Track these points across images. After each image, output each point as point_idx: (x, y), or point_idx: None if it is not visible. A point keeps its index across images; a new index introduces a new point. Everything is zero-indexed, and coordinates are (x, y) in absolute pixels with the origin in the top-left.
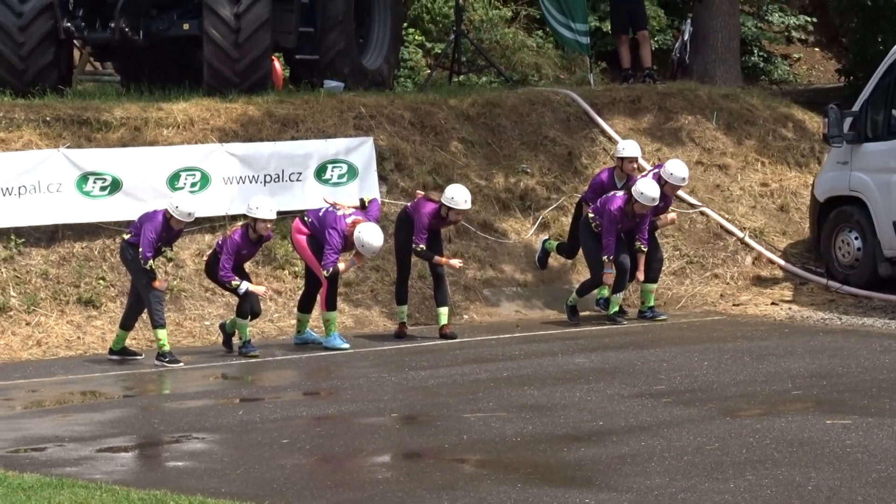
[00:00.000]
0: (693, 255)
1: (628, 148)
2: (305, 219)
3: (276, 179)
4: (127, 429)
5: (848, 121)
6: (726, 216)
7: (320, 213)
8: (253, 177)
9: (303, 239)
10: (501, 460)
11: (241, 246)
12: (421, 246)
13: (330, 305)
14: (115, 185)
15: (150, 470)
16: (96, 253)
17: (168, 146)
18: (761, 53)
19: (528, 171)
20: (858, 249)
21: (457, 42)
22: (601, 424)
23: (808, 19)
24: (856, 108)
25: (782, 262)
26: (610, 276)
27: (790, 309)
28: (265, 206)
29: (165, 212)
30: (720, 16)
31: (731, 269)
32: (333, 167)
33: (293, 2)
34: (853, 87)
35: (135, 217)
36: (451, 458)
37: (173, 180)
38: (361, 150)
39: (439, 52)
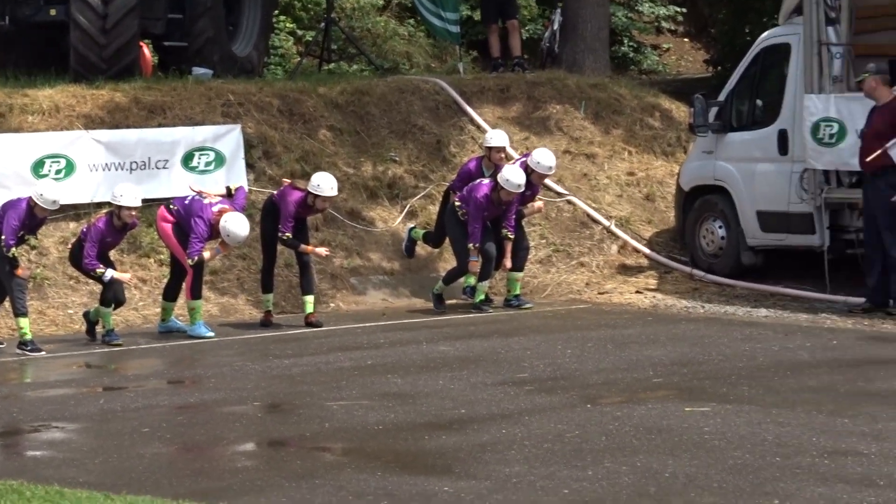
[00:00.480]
0: (559, 244)
1: (496, 137)
2: (171, 207)
3: (143, 167)
4: None
5: (713, 110)
6: (593, 205)
7: (186, 202)
8: (119, 164)
9: (168, 227)
10: (363, 448)
11: (105, 234)
12: (287, 234)
13: (195, 294)
14: None
15: (8, 459)
16: None
17: (33, 133)
18: (631, 43)
19: (397, 159)
20: (722, 238)
21: (327, 30)
22: (463, 412)
23: (678, 10)
24: (721, 97)
25: (647, 251)
26: (476, 263)
27: (654, 297)
28: (129, 194)
29: (30, 199)
30: (590, 6)
31: (597, 258)
32: (200, 155)
33: None
34: (721, 78)
35: None
36: (313, 446)
37: (38, 167)
38: (229, 138)
39: (310, 39)
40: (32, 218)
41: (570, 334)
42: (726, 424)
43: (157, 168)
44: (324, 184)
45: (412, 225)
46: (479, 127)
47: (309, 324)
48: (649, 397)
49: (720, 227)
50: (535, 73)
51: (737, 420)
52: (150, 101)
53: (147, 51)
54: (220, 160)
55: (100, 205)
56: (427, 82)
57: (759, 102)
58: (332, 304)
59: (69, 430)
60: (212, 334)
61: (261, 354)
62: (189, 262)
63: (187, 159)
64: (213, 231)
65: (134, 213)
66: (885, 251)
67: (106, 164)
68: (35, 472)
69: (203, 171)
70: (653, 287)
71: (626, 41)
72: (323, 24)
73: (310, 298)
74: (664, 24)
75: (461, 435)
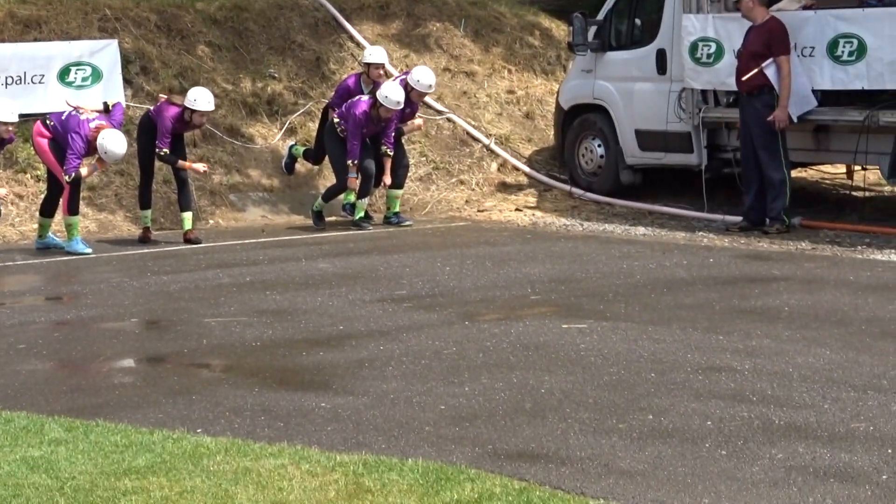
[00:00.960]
0: (439, 162)
1: (375, 54)
2: (48, 122)
3: (18, 81)
4: None
5: (593, 29)
6: (473, 123)
7: (63, 117)
8: None
9: (44, 142)
10: (241, 365)
11: None
12: (164, 150)
13: (72, 210)
14: None
15: None
16: None
17: None
18: None
19: (276, 76)
20: (601, 157)
21: None
22: (341, 329)
23: None
24: (600, 16)
25: (527, 169)
26: (354, 180)
27: (533, 215)
28: (6, 109)
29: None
30: None
31: (477, 176)
32: (77, 70)
33: None
34: None
35: None
36: (190, 362)
37: None
38: (106, 53)
39: None
40: None
41: (449, 252)
42: (603, 341)
43: (34, 83)
44: (200, 98)
45: (292, 142)
46: (358, 44)
47: (187, 240)
48: (527, 314)
49: (599, 145)
50: None
51: (613, 337)
52: (26, 15)
53: None
54: (96, 75)
55: None
56: None
57: (637, 22)
58: (211, 221)
59: None
60: (89, 251)
61: (139, 271)
62: (66, 178)
63: (63, 74)
64: (91, 147)
65: (10, 127)
66: (762, 170)
67: None
68: None
69: (80, 87)
70: (532, 205)
71: None
72: None
73: (188, 215)
74: None
75: (339, 351)
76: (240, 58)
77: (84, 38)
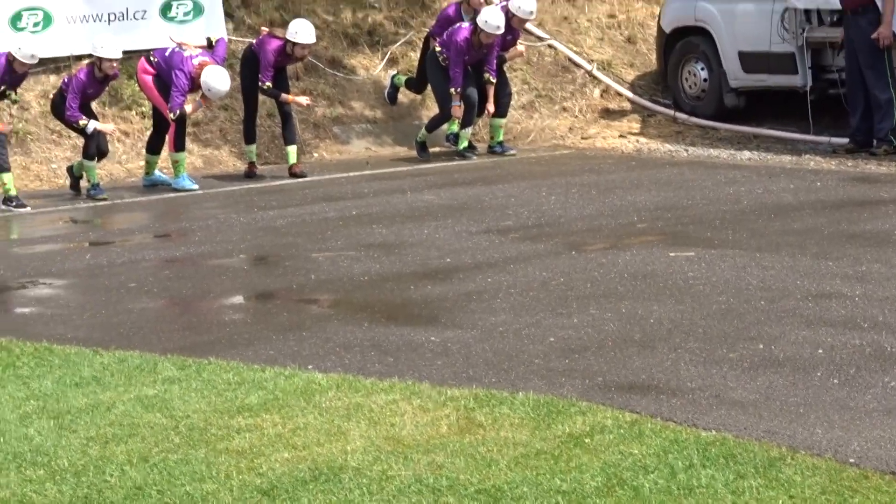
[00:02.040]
0: (542, 89)
1: None
2: (151, 59)
3: (121, 18)
4: None
5: None
6: (574, 49)
7: (166, 54)
8: (96, 15)
9: (149, 79)
10: (349, 300)
11: (86, 84)
12: (267, 84)
13: (178, 146)
14: None
15: None
16: None
17: None
18: None
19: (376, 6)
20: (705, 80)
21: None
22: (448, 261)
23: None
24: None
25: (630, 94)
26: (458, 108)
27: (637, 141)
28: (110, 45)
29: (8, 54)
30: None
31: (580, 102)
32: (178, 4)
33: None
34: None
35: None
36: (299, 298)
37: (15, 20)
38: None
39: None
40: (12, 73)
41: (553, 180)
42: (711, 269)
43: (136, 19)
44: (302, 31)
45: (394, 72)
46: None
47: (293, 174)
48: (634, 243)
49: (702, 68)
50: None
51: (721, 264)
52: None
53: None
54: (198, 10)
55: (79, 57)
56: None
57: None
58: (315, 154)
59: (56, 286)
60: (196, 186)
61: (245, 206)
62: (171, 115)
63: (165, 9)
64: (194, 84)
65: (115, 63)
66: (868, 90)
67: (84, 16)
68: (23, 329)
69: (182, 22)
70: (636, 131)
71: None
72: None
73: (293, 149)
74: None
75: (447, 284)
76: None
77: None
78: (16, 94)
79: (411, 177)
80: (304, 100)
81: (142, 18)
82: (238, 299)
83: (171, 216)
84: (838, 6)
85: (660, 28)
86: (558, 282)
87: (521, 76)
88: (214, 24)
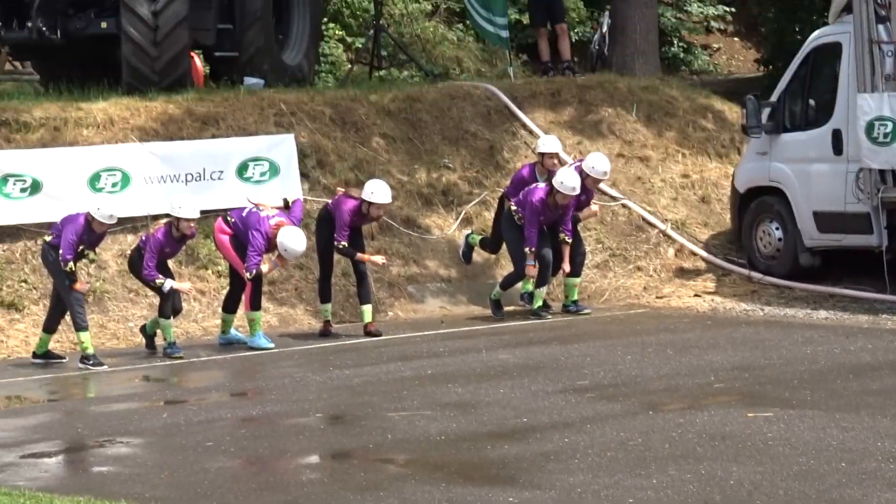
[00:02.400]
0: (616, 248)
1: (548, 143)
2: (228, 219)
3: (198, 178)
4: (51, 434)
5: (766, 111)
6: (648, 208)
7: (243, 214)
8: (174, 176)
9: (226, 239)
10: (426, 459)
11: (164, 244)
12: (343, 243)
13: (254, 305)
14: (36, 187)
15: (75, 475)
16: (17, 255)
17: (88, 146)
18: (681, 44)
19: (450, 165)
20: (779, 240)
21: (377, 36)
22: (525, 421)
23: (727, 9)
24: (774, 98)
25: (704, 254)
26: (533, 268)
27: (713, 300)
28: (188, 205)
29: (87, 214)
30: (638, 7)
31: (654, 262)
32: (255, 165)
33: None
34: (772, 77)
35: (56, 218)
36: (376, 457)
37: (94, 181)
38: (283, 148)
39: (359, 46)
40: (90, 233)
41: (629, 340)
42: (790, 430)
43: (212, 179)
44: (378, 191)
45: (469, 231)
46: (531, 132)
47: (368, 333)
48: (711, 403)
49: (777, 228)
50: (586, 76)
51: (800, 425)
52: (203, 112)
53: (198, 61)
54: (274, 170)
55: (156, 217)
56: (478, 88)
57: (811, 102)
58: (390, 313)
59: (134, 444)
60: (272, 345)
61: (321, 365)
62: (247, 275)
63: (242, 170)
64: (271, 244)
65: (192, 224)
66: None
67: (161, 177)
68: (102, 488)
69: (258, 182)
70: (711, 290)
71: (675, 42)
72: (372, 31)
73: (368, 308)
74: (713, 23)
75: (524, 444)
76: (414, 148)
77: (261, 133)
78: (94, 253)
79: (486, 336)
80: (379, 259)
81: (218, 179)
82: (314, 459)
83: (247, 374)
84: None
85: (734, 188)
86: (636, 442)
87: (595, 235)
88: (290, 185)
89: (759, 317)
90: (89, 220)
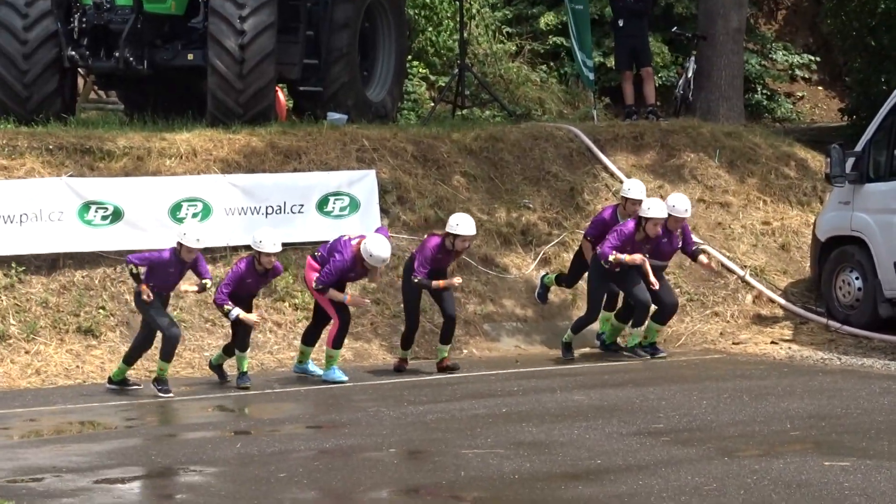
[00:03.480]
0: (693, 293)
1: (634, 189)
2: (316, 255)
3: (278, 211)
4: (125, 460)
5: (850, 161)
6: (727, 254)
7: (329, 243)
8: (255, 208)
9: (313, 276)
10: (499, 497)
11: (244, 275)
12: (419, 277)
13: (336, 345)
14: (117, 215)
15: (148, 502)
16: (97, 282)
17: (170, 176)
18: (765, 91)
19: (531, 206)
20: (859, 290)
21: (461, 75)
22: (599, 463)
23: (812, 58)
24: (858, 148)
25: (783, 301)
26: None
27: (790, 348)
28: (269, 240)
29: (176, 245)
30: (724, 53)
31: (732, 308)
32: (335, 199)
33: (298, 33)
34: (856, 127)
35: (137, 246)
36: (449, 494)
37: (175, 210)
38: (364, 183)
39: (443, 85)
40: (181, 264)
41: (704, 384)
42: (867, 480)
43: (293, 213)
44: (462, 223)
45: (545, 272)
46: (612, 174)
47: (443, 368)
48: (787, 450)
49: (857, 278)
50: (669, 120)
51: (878, 476)
52: (286, 145)
53: (282, 95)
54: (354, 205)
55: (235, 248)
56: (560, 129)
57: None
58: (465, 350)
59: (207, 473)
60: (346, 378)
61: (395, 400)
62: (316, 287)
63: (322, 204)
64: (358, 267)
65: (273, 258)
66: None
67: (242, 208)
68: None
69: (338, 216)
70: (788, 338)
71: (759, 89)
72: (456, 70)
73: (446, 347)
74: (798, 72)
75: (597, 486)
76: (494, 188)
77: (342, 168)
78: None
79: (561, 376)
80: (457, 280)
81: (299, 212)
82: (387, 493)
83: (322, 407)
84: None
85: (815, 236)
86: (710, 487)
87: (674, 279)
88: (370, 220)
89: (836, 366)
90: (177, 250)
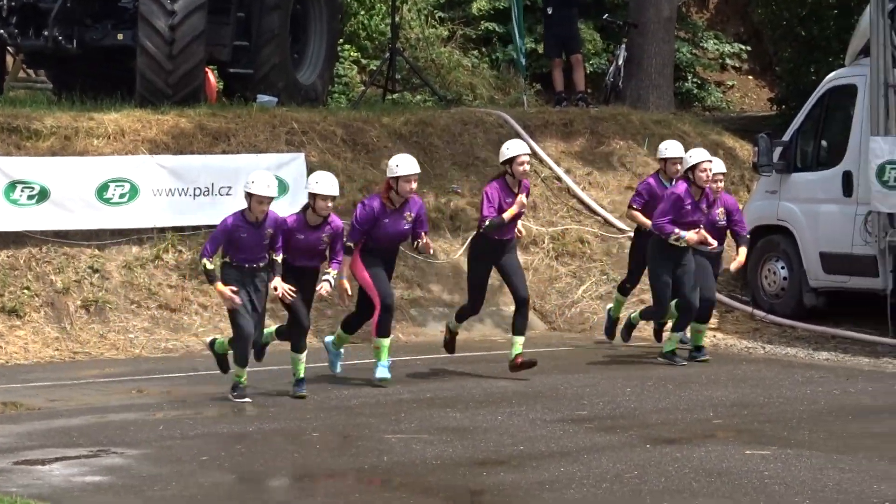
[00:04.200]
0: (621, 279)
1: (672, 148)
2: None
3: (206, 193)
4: (46, 441)
5: (778, 150)
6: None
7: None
8: (182, 189)
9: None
10: (421, 483)
11: (295, 231)
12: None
13: (381, 332)
14: (43, 195)
15: (67, 484)
16: (21, 262)
17: (98, 156)
18: (695, 80)
19: (459, 191)
20: (784, 279)
21: (392, 60)
22: (522, 449)
23: (743, 47)
24: (786, 137)
25: None
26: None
27: (714, 337)
28: (325, 180)
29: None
30: (655, 41)
31: None
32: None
33: (229, 15)
34: (785, 117)
35: (63, 227)
36: (371, 479)
37: (102, 191)
38: (293, 166)
39: (374, 69)
40: (254, 227)
41: (630, 372)
42: (787, 469)
43: (221, 195)
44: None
45: (609, 306)
46: (541, 161)
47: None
48: (709, 439)
49: (782, 267)
50: (599, 108)
51: (797, 465)
52: (215, 127)
53: (212, 77)
54: (283, 188)
55: (162, 230)
56: (490, 115)
57: (823, 143)
58: (391, 336)
59: (128, 455)
60: (388, 377)
61: (320, 384)
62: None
63: None
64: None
65: (329, 202)
66: None
67: (169, 190)
68: (94, 497)
69: None
70: (713, 326)
71: (690, 77)
72: (388, 54)
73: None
74: (729, 61)
75: (520, 472)
76: (423, 173)
77: (271, 150)
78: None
79: (486, 362)
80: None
81: (227, 194)
82: (308, 478)
83: (248, 390)
84: None
85: None
86: (632, 475)
87: (601, 267)
88: (298, 204)
89: (760, 355)
90: (245, 210)
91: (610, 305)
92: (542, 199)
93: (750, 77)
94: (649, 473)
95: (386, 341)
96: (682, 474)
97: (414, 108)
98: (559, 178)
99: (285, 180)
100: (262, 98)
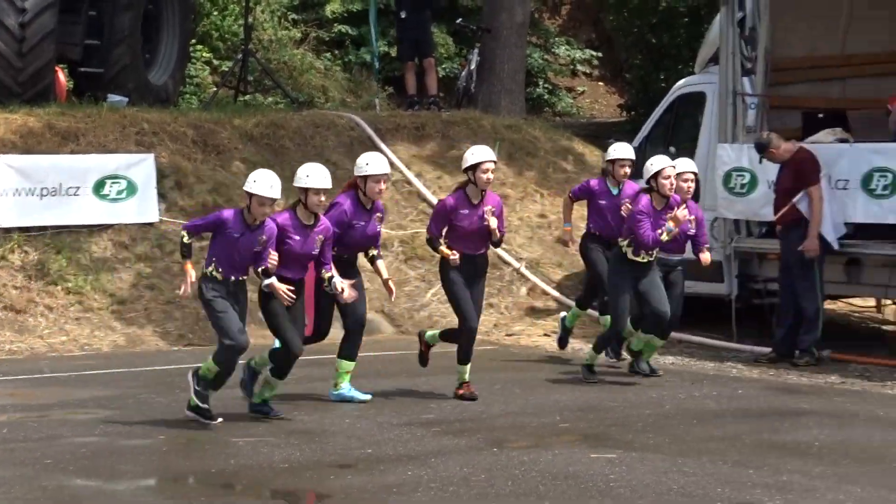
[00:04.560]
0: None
1: (620, 149)
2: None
3: (54, 193)
4: None
5: None
6: (504, 246)
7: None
8: (30, 189)
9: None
10: (268, 486)
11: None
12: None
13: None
14: None
15: None
16: None
17: None
18: (546, 85)
19: None
20: None
21: (244, 61)
22: (370, 452)
23: (594, 53)
24: (635, 143)
25: (557, 294)
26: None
27: None
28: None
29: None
30: (508, 46)
31: (506, 299)
32: (112, 183)
33: (80, 13)
34: (635, 122)
35: None
36: (217, 482)
37: None
38: (142, 167)
39: (226, 70)
40: (249, 230)
41: (477, 375)
42: (632, 472)
43: (69, 195)
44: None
45: (563, 314)
46: (392, 164)
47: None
48: (556, 442)
49: None
50: (451, 112)
51: (642, 468)
52: (64, 126)
53: (62, 76)
54: (132, 189)
55: (8, 230)
56: (342, 117)
57: (672, 149)
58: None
59: None
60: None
61: (167, 387)
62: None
63: (99, 187)
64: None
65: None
66: (797, 301)
67: (16, 189)
68: None
69: (114, 200)
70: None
71: (541, 83)
72: (240, 55)
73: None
74: (580, 67)
75: (367, 475)
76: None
77: (121, 151)
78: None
79: (334, 365)
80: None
81: (74, 195)
82: (153, 481)
83: (91, 393)
84: (767, 218)
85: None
86: (479, 478)
87: None
88: (147, 205)
89: (606, 359)
90: (245, 208)
91: (564, 314)
92: (392, 202)
93: (600, 83)
94: (496, 477)
95: (350, 364)
96: (530, 478)
97: (266, 109)
98: (409, 182)
99: (134, 181)
100: (113, 98)
